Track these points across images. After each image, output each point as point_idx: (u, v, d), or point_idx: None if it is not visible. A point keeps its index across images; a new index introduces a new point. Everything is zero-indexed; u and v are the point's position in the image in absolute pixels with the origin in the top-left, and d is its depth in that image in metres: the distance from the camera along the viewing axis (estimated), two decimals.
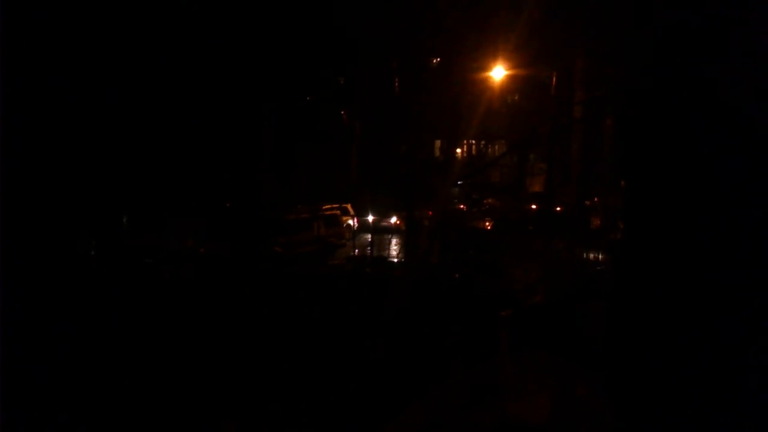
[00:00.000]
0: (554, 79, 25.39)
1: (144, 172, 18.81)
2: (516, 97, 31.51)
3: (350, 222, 27.60)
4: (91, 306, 14.61)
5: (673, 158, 3.94)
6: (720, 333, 3.58)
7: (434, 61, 22.73)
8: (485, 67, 21.33)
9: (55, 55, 14.90)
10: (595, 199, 28.48)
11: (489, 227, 27.27)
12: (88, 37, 15.87)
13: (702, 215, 3.70)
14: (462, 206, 30.90)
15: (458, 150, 31.22)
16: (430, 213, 20.91)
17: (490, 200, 32.77)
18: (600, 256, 20.23)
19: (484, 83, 22.02)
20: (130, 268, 17.88)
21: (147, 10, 17.58)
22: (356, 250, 24.19)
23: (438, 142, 29.28)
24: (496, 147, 38.10)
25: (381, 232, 25.66)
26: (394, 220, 26.89)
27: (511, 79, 23.98)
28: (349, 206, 28.13)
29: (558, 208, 27.66)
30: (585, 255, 20.38)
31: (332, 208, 26.92)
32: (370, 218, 25.88)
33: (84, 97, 16.17)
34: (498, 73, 21.78)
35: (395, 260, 22.58)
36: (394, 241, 24.59)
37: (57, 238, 15.40)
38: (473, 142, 37.23)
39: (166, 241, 20.45)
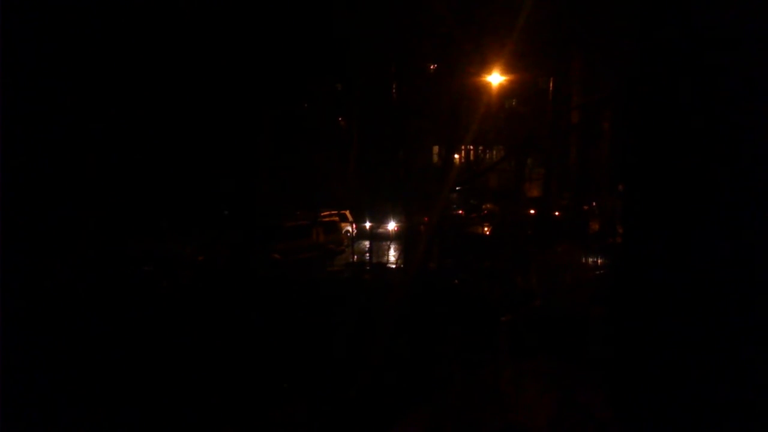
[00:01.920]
0: (552, 84, 25.46)
1: (143, 179, 18.77)
2: (514, 102, 31.56)
3: (348, 228, 27.58)
4: (88, 312, 14.55)
5: (673, 162, 3.93)
6: (723, 336, 3.57)
7: (432, 66, 22.77)
8: (483, 73, 21.34)
9: (55, 59, 14.92)
10: (593, 203, 28.52)
11: (488, 232, 27.27)
12: (89, 42, 15.88)
13: (702, 218, 3.69)
14: (460, 211, 30.94)
15: (456, 155, 31.21)
16: (426, 219, 20.89)
17: (488, 205, 32.80)
18: (599, 261, 20.22)
19: (482, 88, 22.03)
20: (128, 276, 17.82)
21: (143, 18, 17.59)
22: (355, 257, 24.15)
23: (436, 148, 29.32)
24: (494, 152, 38.16)
25: (379, 238, 25.64)
26: (392, 226, 26.89)
27: (509, 84, 23.99)
28: (347, 213, 28.12)
29: (556, 213, 27.69)
30: (584, 259, 20.38)
31: (331, 215, 26.91)
32: (369, 224, 25.86)
33: (84, 104, 16.19)
34: (495, 78, 21.78)
35: (394, 266, 22.54)
36: (392, 247, 24.56)
37: (55, 244, 15.37)
38: (471, 147, 37.25)
39: (164, 249, 20.41)
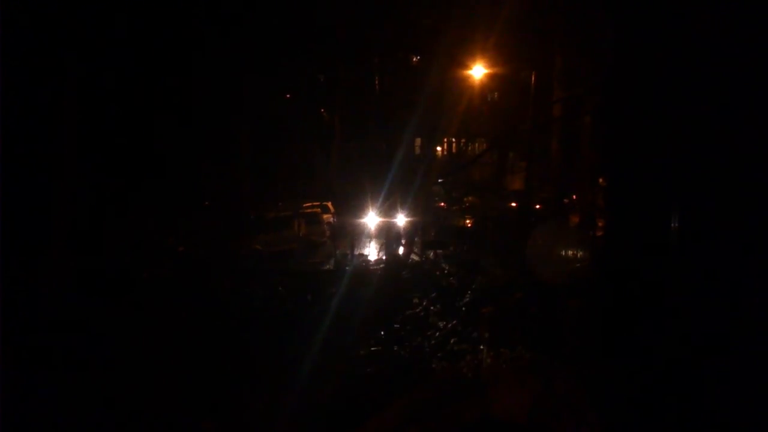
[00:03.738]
0: (533, 77, 25.51)
1: (123, 169, 18.54)
2: (496, 95, 31.66)
3: (331, 220, 27.51)
4: (69, 305, 14.40)
5: (653, 154, 3.97)
6: (702, 328, 3.62)
7: (414, 58, 22.77)
8: (465, 65, 21.41)
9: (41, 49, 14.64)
10: (574, 196, 28.70)
11: (469, 225, 27.36)
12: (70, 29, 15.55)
13: (683, 210, 3.73)
14: (442, 204, 31.00)
15: (438, 148, 31.31)
16: (407, 212, 20.95)
17: (470, 198, 32.87)
18: (579, 254, 20.35)
19: (464, 81, 22.10)
20: (109, 267, 17.61)
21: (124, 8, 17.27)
22: (336, 248, 24.12)
23: (418, 140, 29.34)
24: (476, 145, 38.32)
25: (361, 230, 25.59)
26: (375, 218, 26.84)
27: (491, 78, 24.09)
28: (329, 204, 28.04)
29: (537, 206, 27.83)
30: (564, 252, 20.50)
31: (313, 206, 26.82)
32: (351, 216, 25.79)
33: (67, 89, 15.90)
34: (478, 71, 21.88)
35: (376, 258, 22.54)
36: (374, 239, 24.54)
37: (33, 235, 15.14)
38: (453, 140, 37.40)
39: (144, 239, 20.19)
